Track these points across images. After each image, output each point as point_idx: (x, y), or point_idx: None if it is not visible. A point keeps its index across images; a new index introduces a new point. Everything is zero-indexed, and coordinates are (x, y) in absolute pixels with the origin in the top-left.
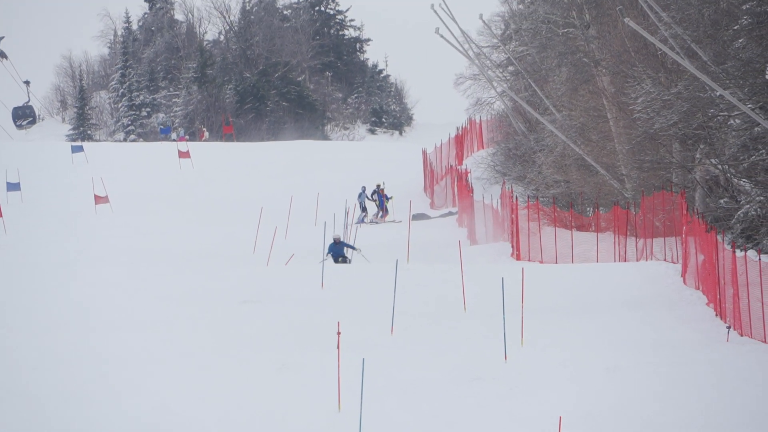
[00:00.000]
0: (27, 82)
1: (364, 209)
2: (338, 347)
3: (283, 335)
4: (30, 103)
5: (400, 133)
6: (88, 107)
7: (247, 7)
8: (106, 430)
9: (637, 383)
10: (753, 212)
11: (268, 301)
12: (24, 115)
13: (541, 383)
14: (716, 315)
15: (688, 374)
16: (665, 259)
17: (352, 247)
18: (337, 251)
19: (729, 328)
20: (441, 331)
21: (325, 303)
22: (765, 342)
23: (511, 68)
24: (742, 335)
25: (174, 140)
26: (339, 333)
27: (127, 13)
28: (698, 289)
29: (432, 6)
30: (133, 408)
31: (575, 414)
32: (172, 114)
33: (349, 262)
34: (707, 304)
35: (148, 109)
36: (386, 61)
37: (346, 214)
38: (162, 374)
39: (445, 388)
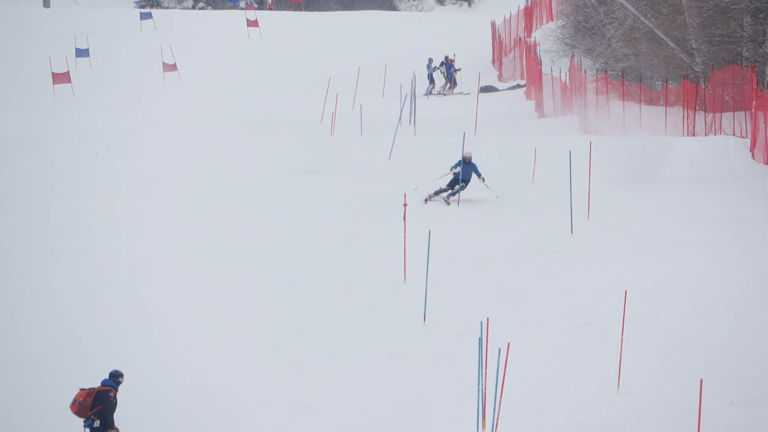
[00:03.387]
0: None
1: (432, 81)
2: (404, 218)
3: (349, 206)
4: None
5: (469, 5)
6: None
7: None
8: (167, 297)
9: (703, 258)
10: None
11: (333, 172)
12: None
13: (606, 256)
14: None
15: (753, 249)
16: (734, 134)
17: (479, 174)
18: (464, 173)
19: None
20: (508, 204)
21: (392, 174)
22: None
23: None
24: None
25: (242, 8)
26: (405, 204)
27: None
28: (767, 164)
29: None
30: (198, 274)
31: (640, 287)
32: None
33: (461, 189)
34: None
35: None
36: None
37: (413, 85)
38: (227, 241)
39: (511, 260)
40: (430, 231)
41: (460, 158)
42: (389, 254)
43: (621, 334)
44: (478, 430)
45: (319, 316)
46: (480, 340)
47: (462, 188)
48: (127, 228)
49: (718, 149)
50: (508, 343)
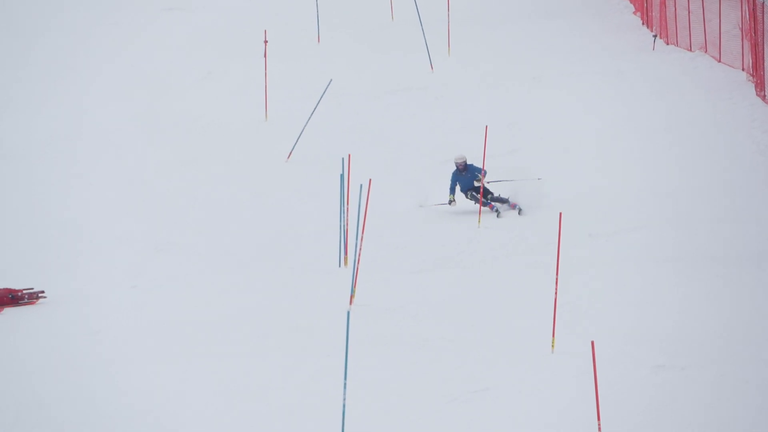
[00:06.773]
0: None
1: None
2: (265, 56)
3: (209, 43)
4: None
5: None
6: None
7: None
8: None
9: (565, 91)
10: None
11: (193, 8)
12: None
13: (465, 94)
14: (643, 24)
15: (615, 82)
16: None
17: (480, 171)
18: (464, 183)
19: (655, 36)
20: (368, 40)
21: (251, 11)
22: (690, 50)
23: None
24: (668, 44)
25: None
26: (266, 42)
27: None
28: None
29: None
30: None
31: (500, 122)
32: None
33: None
34: (634, 13)
35: None
36: None
37: None
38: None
39: (372, 97)
40: (289, 70)
41: (455, 170)
42: (250, 92)
43: (482, 167)
44: (339, 266)
45: (178, 153)
46: (341, 176)
47: (477, 194)
48: None
49: None
50: (369, 179)
